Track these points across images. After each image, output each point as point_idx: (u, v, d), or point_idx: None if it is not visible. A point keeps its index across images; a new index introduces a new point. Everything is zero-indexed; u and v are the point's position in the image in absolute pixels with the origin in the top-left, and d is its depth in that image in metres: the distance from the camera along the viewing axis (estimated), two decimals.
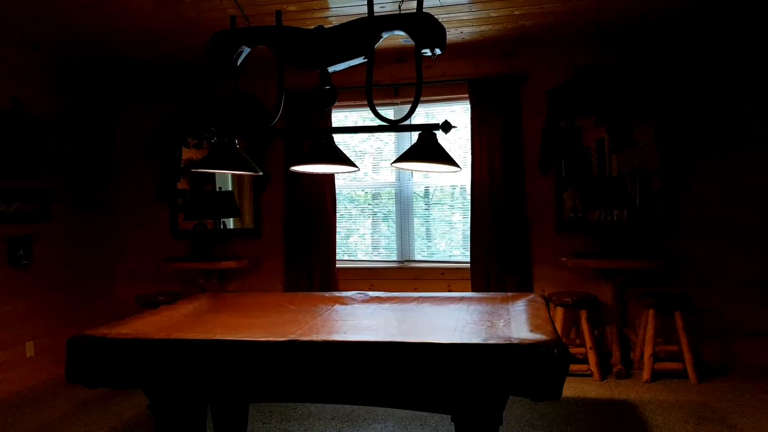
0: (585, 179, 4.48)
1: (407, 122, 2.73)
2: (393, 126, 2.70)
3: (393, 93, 4.73)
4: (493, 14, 3.75)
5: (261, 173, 2.97)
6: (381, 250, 5.15)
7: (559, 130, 4.46)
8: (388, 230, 5.16)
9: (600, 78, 4.36)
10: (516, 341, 2.14)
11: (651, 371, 4.00)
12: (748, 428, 3.18)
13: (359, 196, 5.26)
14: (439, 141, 2.66)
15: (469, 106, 4.58)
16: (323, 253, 4.86)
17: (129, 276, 5.33)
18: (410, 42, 2.78)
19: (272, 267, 5.07)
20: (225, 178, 5.14)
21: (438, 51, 2.60)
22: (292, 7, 3.49)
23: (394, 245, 5.09)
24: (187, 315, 2.99)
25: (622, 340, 4.30)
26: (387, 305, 3.13)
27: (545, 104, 4.49)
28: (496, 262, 4.53)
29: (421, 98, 4.51)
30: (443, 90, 4.61)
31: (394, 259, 5.05)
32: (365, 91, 2.69)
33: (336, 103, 3.04)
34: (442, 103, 4.76)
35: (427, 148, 2.62)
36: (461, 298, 3.18)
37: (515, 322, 2.55)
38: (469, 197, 4.79)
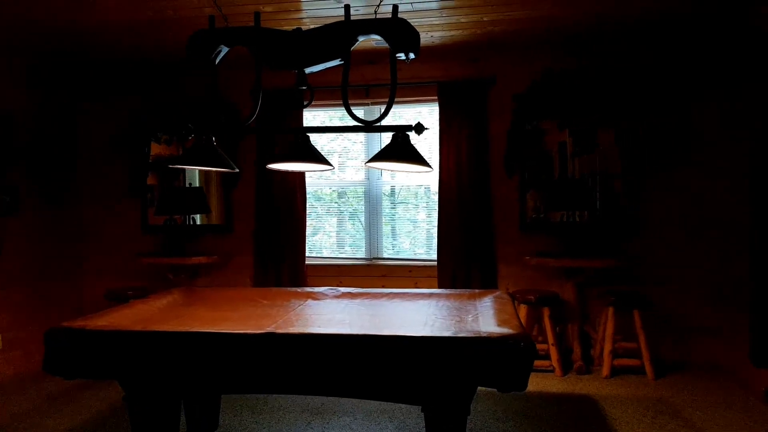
0: (548, 181, 4.64)
1: (381, 123, 2.82)
2: (368, 126, 2.78)
3: (364, 93, 4.81)
4: (462, 20, 3.87)
5: (238, 170, 3.02)
6: (347, 248, 5.23)
7: (524, 133, 4.62)
8: (354, 228, 5.24)
9: (564, 83, 4.53)
10: (485, 335, 2.25)
11: (610, 367, 4.19)
12: (701, 421, 3.38)
13: (326, 194, 5.32)
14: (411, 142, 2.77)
15: (437, 107, 4.70)
16: (293, 250, 4.91)
17: (97, 271, 5.27)
18: (383, 44, 2.88)
19: (242, 263, 5.09)
20: (193, 174, 5.14)
21: (412, 55, 2.70)
22: (268, 8, 3.54)
23: (361, 243, 5.17)
24: (161, 308, 3.02)
25: (583, 337, 4.49)
26: (358, 300, 3.22)
27: (511, 108, 4.63)
28: (463, 260, 4.66)
29: (397, 99, 4.71)
30: (412, 92, 4.71)
31: (362, 256, 5.13)
32: (341, 92, 2.77)
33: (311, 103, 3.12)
34: (411, 105, 4.87)
35: (401, 149, 2.72)
36: (430, 294, 3.29)
37: (483, 317, 2.66)
38: (434, 197, 4.93)
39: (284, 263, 4.91)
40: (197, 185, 5.12)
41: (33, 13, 3.62)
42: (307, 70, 2.83)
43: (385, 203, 5.15)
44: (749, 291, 3.73)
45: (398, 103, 4.77)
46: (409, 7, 3.53)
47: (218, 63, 2.89)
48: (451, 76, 4.65)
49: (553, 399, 3.75)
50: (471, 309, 2.93)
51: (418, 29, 3.82)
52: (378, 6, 3.32)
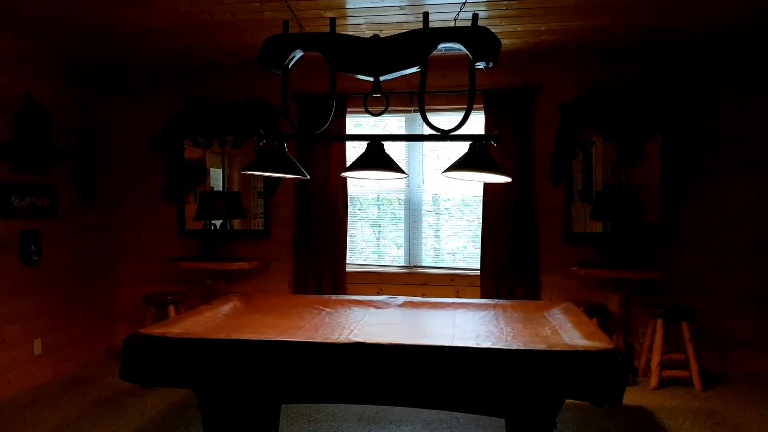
0: (593, 192, 4.64)
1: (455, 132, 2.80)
2: (444, 135, 2.77)
3: (408, 100, 4.79)
4: (519, 29, 3.87)
5: (309, 177, 2.99)
6: (387, 256, 5.20)
7: (571, 142, 4.61)
8: (395, 235, 5.21)
9: (610, 94, 4.53)
10: (581, 348, 2.23)
11: (659, 379, 4.17)
12: None
13: (366, 200, 5.29)
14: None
15: (483, 115, 4.68)
16: (334, 256, 4.88)
17: (131, 275, 5.23)
18: (441, 51, 2.85)
19: (280, 269, 5.06)
20: (217, 178, 5.15)
21: (491, 64, 2.69)
22: (329, 13, 3.52)
23: (400, 251, 5.14)
24: (227, 316, 3.00)
25: (627, 348, 4.47)
26: (423, 311, 3.19)
27: (557, 117, 4.63)
28: (506, 269, 4.64)
29: (436, 107, 4.70)
30: (458, 100, 4.69)
31: (402, 264, 5.11)
32: (417, 100, 2.76)
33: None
34: (457, 113, 4.85)
35: (479, 158, 2.70)
36: (494, 305, 3.26)
37: (563, 330, 2.64)
38: (473, 205, 4.91)
39: (325, 269, 4.88)
40: (226, 190, 5.10)
41: (84, 10, 3.57)
42: (382, 78, 2.81)
43: (426, 210, 5.13)
44: None
45: (444, 110, 4.75)
46: (466, 14, 3.51)
47: (291, 68, 2.87)
48: (496, 84, 4.63)
49: (609, 410, 3.72)
50: (543, 321, 2.91)
51: None
52: (458, 13, 3.31)
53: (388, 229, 5.24)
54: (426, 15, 2.72)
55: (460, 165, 2.73)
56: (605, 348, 2.21)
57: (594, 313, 4.24)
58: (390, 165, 2.83)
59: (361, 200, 5.24)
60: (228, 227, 5.09)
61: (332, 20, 2.82)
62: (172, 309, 4.73)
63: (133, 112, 5.19)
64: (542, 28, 3.86)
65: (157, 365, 2.42)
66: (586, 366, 2.19)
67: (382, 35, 2.79)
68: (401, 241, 5.16)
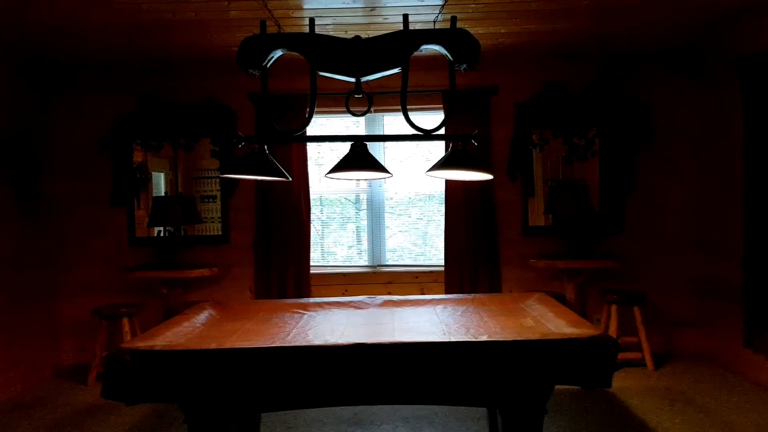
0: (547, 186, 4.85)
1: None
2: (426, 135, 2.82)
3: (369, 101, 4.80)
4: (481, 31, 3.98)
5: (291, 179, 2.96)
6: (349, 256, 5.21)
7: (525, 140, 4.79)
8: (356, 236, 5.23)
9: (562, 94, 4.75)
10: (573, 336, 2.34)
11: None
12: (714, 405, 3.66)
13: (328, 201, 5.28)
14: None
15: (442, 115, 4.78)
16: (297, 259, 4.83)
17: (78, 287, 4.93)
18: (420, 53, 2.92)
19: (240, 274, 4.95)
20: (159, 182, 4.99)
21: (470, 66, 2.77)
22: (297, 14, 3.49)
23: (363, 250, 5.17)
24: (207, 325, 2.91)
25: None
26: (406, 308, 3.22)
27: (513, 116, 4.80)
28: (469, 264, 4.77)
29: (394, 107, 4.75)
30: (418, 100, 4.76)
31: (366, 263, 5.13)
32: (400, 100, 2.80)
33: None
34: (417, 112, 4.91)
35: (462, 157, 2.77)
36: (472, 300, 3.34)
37: (545, 320, 2.76)
38: (436, 203, 5.01)
39: (288, 273, 4.82)
40: (180, 194, 4.94)
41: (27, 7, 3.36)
42: (364, 79, 2.83)
43: (387, 210, 5.17)
44: (743, 284, 4.05)
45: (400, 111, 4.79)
46: (441, 17, 3.59)
47: (269, 67, 2.83)
48: (456, 85, 4.73)
49: (569, 393, 3.88)
50: (523, 312, 3.02)
51: None
52: (438, 15, 3.37)
53: (333, 230, 5.25)
54: (406, 17, 2.76)
55: (444, 164, 2.79)
56: (595, 334, 2.33)
57: None
58: (374, 165, 2.85)
59: (322, 201, 5.21)
60: (182, 233, 4.93)
61: (311, 20, 2.81)
62: (126, 322, 4.52)
63: (81, 113, 4.90)
64: (502, 31, 3.99)
65: (144, 381, 2.32)
66: (579, 352, 2.30)
67: (347, 36, 2.81)
68: (349, 241, 5.19)
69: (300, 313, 3.13)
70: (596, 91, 4.73)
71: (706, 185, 4.71)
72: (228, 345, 2.42)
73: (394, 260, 5.16)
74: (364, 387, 2.34)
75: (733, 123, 4.24)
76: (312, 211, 5.04)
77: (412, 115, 4.80)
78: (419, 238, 5.23)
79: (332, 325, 2.83)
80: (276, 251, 4.81)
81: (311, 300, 3.42)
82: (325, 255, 5.22)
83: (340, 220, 5.28)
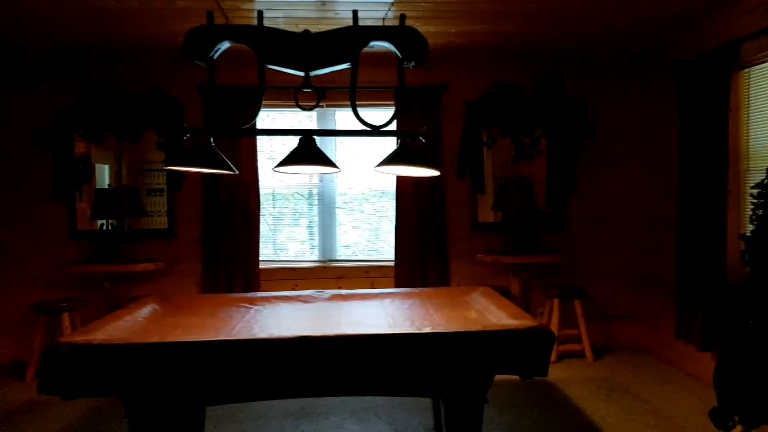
0: (494, 184, 4.97)
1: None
2: (375, 131, 2.85)
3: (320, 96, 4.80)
4: (431, 30, 4.04)
5: (237, 172, 2.93)
6: (302, 251, 5.19)
7: (474, 138, 4.89)
8: (308, 230, 5.22)
9: (510, 93, 4.87)
10: (512, 327, 2.43)
11: (557, 353, 4.58)
12: (648, 394, 3.85)
13: (278, 195, 5.24)
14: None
15: (393, 112, 4.81)
16: (246, 254, 4.79)
17: (15, 281, 4.74)
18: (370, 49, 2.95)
19: (187, 269, 4.87)
20: (103, 174, 4.87)
21: (418, 63, 2.82)
22: (248, 5, 3.46)
23: (304, 246, 5.17)
24: (149, 319, 2.86)
25: None
26: (353, 302, 3.24)
27: (463, 114, 4.89)
28: (418, 259, 4.84)
29: (345, 102, 4.76)
30: (371, 96, 4.80)
31: (316, 258, 5.13)
32: (350, 97, 2.82)
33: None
34: (370, 108, 4.94)
35: (410, 153, 2.82)
36: (420, 293, 3.39)
37: (488, 312, 2.84)
38: (387, 199, 5.06)
39: (236, 268, 4.77)
40: (124, 187, 4.82)
41: None
42: (313, 73, 2.83)
43: (339, 205, 5.19)
44: (675, 279, 4.27)
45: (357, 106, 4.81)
46: (391, 14, 3.62)
47: (216, 59, 2.80)
48: (407, 82, 4.75)
49: (511, 384, 4.01)
50: (467, 305, 3.10)
51: None
52: (387, 12, 3.39)
53: (285, 224, 5.23)
54: (355, 13, 2.78)
55: (392, 159, 2.83)
56: (533, 326, 2.42)
57: None
58: (323, 160, 2.86)
59: (272, 195, 5.17)
60: (127, 227, 4.80)
61: (260, 13, 2.79)
62: (66, 317, 4.39)
63: (21, 103, 4.71)
64: (452, 30, 4.06)
65: (82, 375, 2.27)
66: (517, 343, 2.39)
67: (298, 30, 2.81)
68: (302, 236, 5.19)
69: (246, 307, 3.12)
70: (542, 92, 4.87)
71: (645, 184, 4.93)
72: (170, 339, 2.39)
73: (349, 255, 5.19)
74: (309, 379, 2.36)
75: (669, 125, 4.45)
76: (264, 206, 5.01)
77: (365, 111, 4.88)
78: (372, 234, 5.27)
79: (279, 319, 2.83)
80: (224, 246, 4.76)
81: (258, 294, 3.40)
82: (278, 250, 5.19)
83: (293, 215, 5.26)
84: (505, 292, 4.68)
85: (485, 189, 5.00)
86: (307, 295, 3.35)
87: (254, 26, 2.74)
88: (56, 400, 3.65)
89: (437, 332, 2.40)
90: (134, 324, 2.74)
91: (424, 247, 4.84)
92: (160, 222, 4.88)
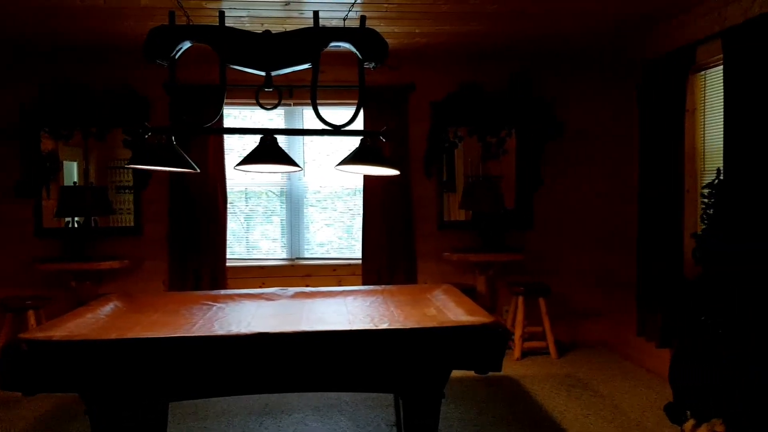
0: (461, 183, 5.04)
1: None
2: (336, 130, 2.88)
3: (288, 94, 4.82)
4: (396, 30, 4.09)
5: (199, 171, 2.94)
6: (274, 249, 5.20)
7: (441, 137, 4.96)
8: (275, 228, 5.23)
9: (477, 93, 4.93)
10: (467, 323, 2.48)
11: (521, 350, 4.67)
12: (607, 390, 3.95)
13: (245, 193, 5.23)
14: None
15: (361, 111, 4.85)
16: (213, 252, 4.79)
17: None
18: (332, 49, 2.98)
19: (155, 267, 4.85)
20: (71, 171, 4.82)
21: (378, 64, 2.86)
22: (212, 5, 3.46)
23: (275, 244, 5.18)
24: (111, 316, 2.85)
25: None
26: (316, 300, 3.26)
27: (429, 114, 4.95)
28: (386, 257, 4.89)
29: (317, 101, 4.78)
30: (336, 94, 4.82)
31: (284, 256, 5.15)
32: (311, 97, 2.85)
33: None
34: (335, 107, 4.97)
35: (370, 152, 2.85)
36: (382, 291, 3.43)
37: (447, 309, 2.89)
38: (346, 197, 5.14)
39: (203, 266, 4.77)
40: (91, 184, 4.78)
41: None
42: (274, 73, 2.85)
43: (307, 203, 5.21)
44: (636, 277, 4.38)
45: (322, 104, 4.80)
46: (354, 14, 3.66)
47: (177, 59, 2.80)
48: (373, 81, 4.78)
49: (475, 381, 4.07)
50: (428, 302, 3.14)
51: None
52: (348, 13, 3.42)
53: (258, 222, 5.24)
54: (316, 14, 2.81)
55: (353, 159, 2.86)
56: (487, 321, 2.47)
57: (465, 293, 4.60)
58: (284, 159, 2.88)
59: (229, 194, 5.13)
60: (93, 224, 4.76)
61: (221, 13, 2.80)
62: (32, 315, 4.34)
63: None
64: (417, 31, 4.11)
65: (43, 371, 2.27)
66: (472, 338, 2.44)
67: (263, 29, 2.83)
68: (274, 234, 5.20)
69: (209, 305, 3.12)
70: (508, 92, 4.94)
71: (608, 183, 5.03)
72: (129, 336, 2.40)
73: (317, 254, 5.21)
74: (269, 375, 2.38)
75: (632, 125, 4.55)
76: (236, 204, 5.02)
77: (333, 110, 4.95)
78: (345, 232, 5.29)
79: (240, 316, 2.84)
80: (191, 244, 4.75)
81: (222, 292, 3.41)
82: (251, 248, 5.19)
83: (265, 212, 5.25)
84: (472, 290, 4.76)
85: (458, 188, 5.06)
86: (271, 293, 3.36)
87: (215, 26, 2.75)
88: (21, 399, 3.62)
89: (393, 328, 2.44)
90: (96, 321, 2.73)
91: (392, 245, 4.89)
92: (128, 220, 4.86)
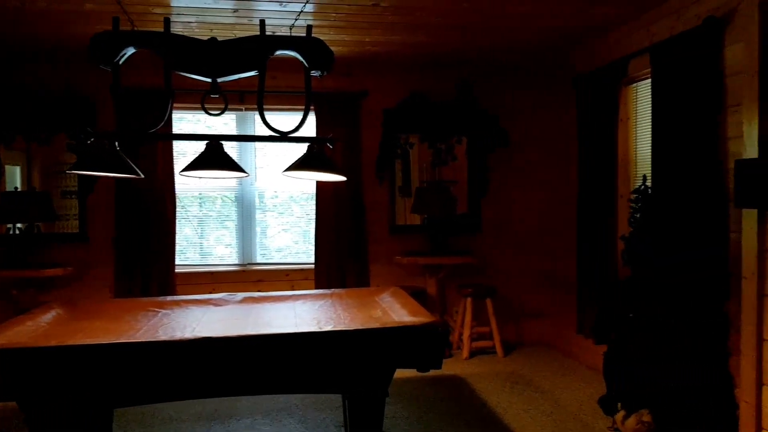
0: (413, 188, 5.15)
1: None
2: (283, 137, 2.93)
3: (238, 99, 4.82)
4: (347, 39, 4.17)
5: (142, 176, 2.94)
6: (227, 254, 5.18)
7: (393, 144, 5.07)
8: (219, 234, 5.21)
9: (427, 101, 5.07)
10: (409, 323, 2.57)
11: (469, 350, 4.81)
12: (548, 386, 4.12)
13: (195, 198, 5.20)
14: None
15: (313, 116, 4.92)
16: (162, 258, 4.75)
17: None
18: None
19: (101, 273, 4.76)
20: (14, 176, 4.71)
21: (325, 72, 2.93)
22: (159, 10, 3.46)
23: (229, 249, 5.17)
24: (52, 324, 2.82)
25: (444, 325, 5.05)
26: (265, 304, 3.31)
27: (381, 121, 5.05)
28: (338, 262, 4.95)
29: (266, 107, 4.79)
30: (288, 100, 4.85)
31: (235, 262, 5.14)
32: (257, 103, 2.90)
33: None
34: (287, 113, 5.00)
35: (317, 158, 2.92)
36: (331, 294, 3.50)
37: (393, 311, 2.98)
38: (302, 202, 5.19)
39: (152, 272, 4.72)
40: (33, 189, 4.68)
41: None
42: (220, 80, 2.89)
43: (264, 208, 5.22)
44: (576, 281, 4.58)
45: (275, 110, 4.88)
46: (302, 23, 3.71)
47: (122, 65, 2.81)
48: (326, 88, 4.88)
49: (425, 381, 4.17)
50: (375, 304, 3.22)
51: None
52: (294, 21, 3.47)
53: (212, 227, 5.22)
54: (263, 22, 2.86)
55: (299, 165, 2.92)
56: (427, 321, 2.58)
57: (415, 296, 4.60)
58: (230, 165, 2.92)
59: (182, 199, 5.11)
60: (36, 231, 4.65)
61: (167, 20, 2.81)
62: None
63: None
64: (367, 39, 4.20)
65: None
66: (413, 338, 2.53)
67: (213, 35, 2.87)
68: (228, 239, 5.19)
69: (154, 311, 3.11)
70: (457, 101, 5.09)
71: (551, 189, 5.23)
72: (71, 343, 2.39)
73: (280, 258, 5.22)
74: (215, 380, 2.41)
75: (572, 134, 4.76)
76: (189, 209, 4.98)
77: (285, 116, 4.98)
78: (301, 237, 5.31)
79: (186, 322, 2.85)
80: (139, 250, 4.69)
81: (168, 298, 3.42)
82: (204, 254, 5.16)
83: (219, 217, 5.23)
84: (423, 293, 4.87)
85: (413, 192, 5.16)
86: (218, 298, 3.38)
87: (160, 33, 2.77)
88: None
89: (337, 330, 2.51)
90: (36, 328, 2.70)
91: (344, 249, 4.96)
92: (73, 226, 4.77)
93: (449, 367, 4.51)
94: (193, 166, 2.87)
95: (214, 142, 2.92)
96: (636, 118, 4.10)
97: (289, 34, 3.42)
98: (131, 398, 2.51)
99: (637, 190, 3.25)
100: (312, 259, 5.07)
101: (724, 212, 3.08)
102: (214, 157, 2.88)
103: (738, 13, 2.94)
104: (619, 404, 3.30)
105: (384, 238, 5.14)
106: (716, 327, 3.08)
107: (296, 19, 3.55)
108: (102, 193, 4.75)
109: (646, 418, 3.09)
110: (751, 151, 2.70)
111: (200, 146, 4.91)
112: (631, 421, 3.13)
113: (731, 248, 3.02)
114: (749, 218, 2.76)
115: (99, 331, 2.67)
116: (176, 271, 4.84)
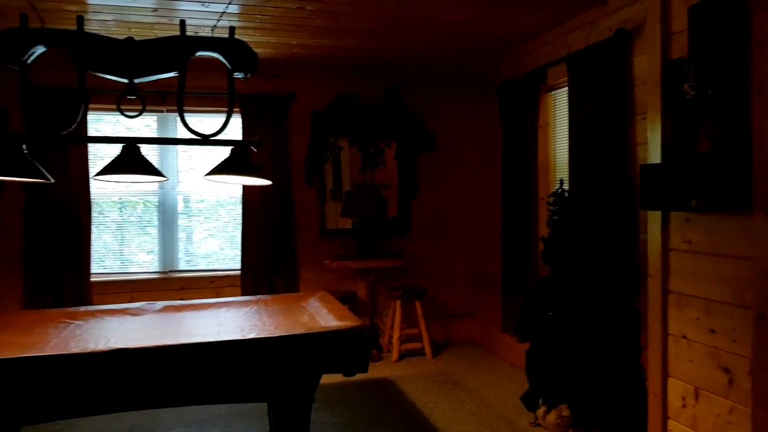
0: (343, 191, 5.15)
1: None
2: (205, 140, 2.86)
3: (160, 99, 4.66)
4: (273, 41, 4.12)
5: (53, 181, 2.78)
6: (133, 263, 4.98)
7: (322, 147, 5.04)
8: (141, 240, 5.00)
9: (355, 105, 5.08)
10: (334, 328, 2.56)
11: (399, 352, 4.85)
12: (475, 385, 4.22)
13: (112, 204, 4.96)
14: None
15: (239, 118, 4.82)
16: (76, 267, 4.51)
17: None
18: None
19: (7, 284, 4.46)
20: None
21: (249, 75, 2.89)
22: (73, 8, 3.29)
23: (150, 256, 4.97)
24: None
25: (374, 329, 5.07)
26: (186, 313, 3.20)
27: (310, 123, 5.02)
28: (266, 267, 4.87)
29: (189, 108, 4.64)
30: (214, 102, 4.73)
31: (156, 269, 4.95)
32: (177, 106, 2.81)
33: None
34: (212, 114, 4.88)
35: (241, 162, 2.86)
36: (257, 301, 3.43)
37: (319, 316, 2.96)
38: (229, 206, 5.09)
39: (64, 282, 4.47)
40: None
41: None
42: (137, 80, 2.78)
43: (190, 213, 5.05)
44: (501, 281, 4.72)
45: (200, 112, 4.76)
46: (226, 23, 3.63)
47: (30, 63, 2.65)
48: (253, 89, 4.78)
49: (354, 386, 4.16)
50: (302, 310, 3.19)
51: None
52: (217, 22, 3.38)
53: (133, 234, 5.00)
54: (183, 23, 2.78)
55: (222, 168, 2.85)
56: (353, 326, 2.58)
57: (346, 300, 4.69)
58: (147, 169, 2.81)
59: (100, 204, 4.87)
60: None
61: (80, 18, 2.68)
62: None
63: None
64: (294, 42, 4.17)
65: None
66: (338, 343, 2.53)
67: (131, 34, 2.76)
68: (150, 246, 4.99)
69: (66, 322, 2.94)
70: (385, 104, 5.14)
71: (477, 191, 5.38)
72: None
73: (206, 265, 5.06)
74: (133, 393, 2.32)
75: (496, 138, 4.91)
76: (108, 214, 4.75)
77: (210, 118, 4.86)
78: (228, 242, 5.18)
79: (100, 333, 2.72)
80: (50, 258, 4.44)
81: (82, 309, 3.25)
82: (125, 261, 4.93)
83: (141, 223, 5.01)
84: (353, 296, 4.87)
85: (334, 196, 5.16)
86: (136, 308, 3.24)
87: (72, 31, 2.63)
88: None
89: (260, 337, 2.47)
90: None
91: (272, 254, 4.88)
92: None
93: (379, 371, 4.54)
94: (108, 170, 2.74)
95: (131, 144, 2.81)
96: (555, 124, 4.29)
97: (210, 35, 3.33)
98: (41, 415, 2.36)
99: (554, 194, 3.39)
100: (239, 266, 4.96)
101: (634, 214, 3.27)
102: (130, 160, 2.77)
103: (644, 26, 3.14)
104: (541, 400, 3.43)
105: (314, 243, 5.10)
106: (629, 324, 3.25)
107: (219, 20, 3.47)
108: (10, 198, 4.44)
109: (566, 412, 3.22)
110: (655, 156, 2.87)
111: (119, 149, 4.74)
112: (552, 416, 3.26)
113: (641, 248, 3.21)
114: (654, 219, 2.94)
115: (5, 345, 2.49)
116: (92, 280, 4.62)
